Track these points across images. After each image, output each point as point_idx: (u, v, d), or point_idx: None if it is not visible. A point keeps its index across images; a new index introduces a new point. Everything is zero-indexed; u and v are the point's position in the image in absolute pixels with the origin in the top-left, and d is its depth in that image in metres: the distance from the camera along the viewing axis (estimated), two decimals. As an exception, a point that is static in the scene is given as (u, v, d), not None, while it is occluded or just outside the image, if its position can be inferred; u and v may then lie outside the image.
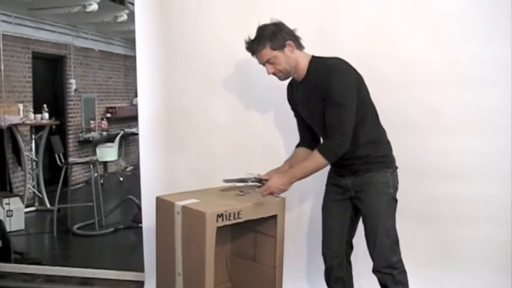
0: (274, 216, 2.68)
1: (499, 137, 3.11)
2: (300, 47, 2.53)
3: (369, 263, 2.59)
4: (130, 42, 3.29)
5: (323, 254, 2.71)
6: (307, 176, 2.51)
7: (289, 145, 3.16)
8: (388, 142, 2.63)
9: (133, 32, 3.50)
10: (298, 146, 2.77)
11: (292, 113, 2.78)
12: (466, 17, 3.08)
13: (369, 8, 3.18)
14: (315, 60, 2.54)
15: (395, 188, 2.59)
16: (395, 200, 2.59)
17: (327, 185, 2.73)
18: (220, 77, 3.38)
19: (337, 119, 2.41)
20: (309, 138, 2.71)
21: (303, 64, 2.52)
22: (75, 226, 5.43)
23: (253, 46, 2.51)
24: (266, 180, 2.55)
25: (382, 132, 2.61)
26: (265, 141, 3.35)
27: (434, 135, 3.15)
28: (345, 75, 2.44)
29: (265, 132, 3.36)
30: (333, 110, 2.41)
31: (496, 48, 3.06)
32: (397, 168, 2.62)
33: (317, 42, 3.21)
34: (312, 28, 3.21)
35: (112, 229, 5.39)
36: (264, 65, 2.54)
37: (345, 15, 3.21)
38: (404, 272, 2.55)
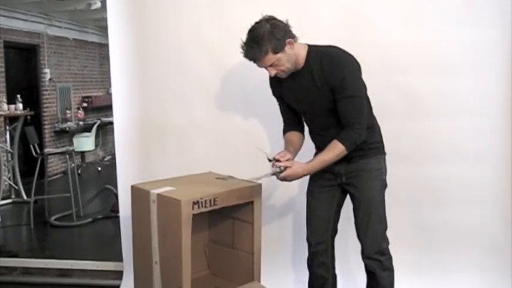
0: (251, 202, 2.68)
1: (477, 120, 3.15)
2: (295, 38, 2.42)
3: (357, 248, 2.60)
4: (105, 30, 3.24)
5: (308, 239, 2.70)
6: (326, 166, 2.46)
7: (270, 139, 3.17)
8: (379, 127, 2.63)
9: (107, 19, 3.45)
10: (286, 131, 2.70)
11: (272, 104, 2.74)
12: (444, 0, 3.10)
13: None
14: (313, 50, 2.46)
15: (386, 174, 2.61)
16: (386, 186, 2.60)
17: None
18: (196, 65, 3.35)
19: (355, 110, 2.39)
20: (295, 122, 2.67)
21: (302, 55, 2.45)
22: (53, 217, 5.38)
23: (254, 54, 2.36)
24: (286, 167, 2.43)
25: (374, 117, 2.61)
26: (244, 133, 3.34)
27: (412, 119, 3.18)
28: (354, 67, 2.43)
29: (243, 125, 3.35)
30: (349, 102, 2.38)
31: (475, 32, 3.09)
32: (385, 154, 2.63)
33: (294, 29, 3.22)
34: (290, 15, 3.19)
35: (90, 219, 5.35)
36: (265, 67, 2.43)
37: (322, 1, 3.21)
38: (391, 258, 2.58)
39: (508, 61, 3.11)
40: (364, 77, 2.98)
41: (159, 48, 3.40)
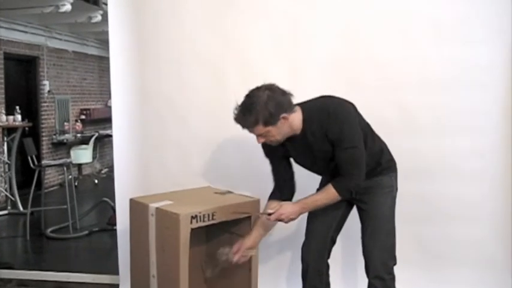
0: (249, 217, 2.68)
1: (475, 137, 3.17)
2: (292, 109, 2.36)
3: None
4: (105, 43, 3.27)
5: (304, 246, 2.67)
6: (317, 208, 2.48)
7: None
8: (387, 147, 2.63)
9: (108, 33, 3.47)
10: (272, 197, 2.61)
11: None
12: (440, 18, 3.14)
13: (343, 9, 3.21)
14: (308, 111, 2.42)
15: (397, 191, 2.62)
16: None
17: (321, 184, 2.63)
18: (195, 78, 3.38)
19: (351, 161, 2.37)
20: (285, 186, 2.61)
21: (298, 122, 2.40)
22: (49, 229, 5.35)
23: (244, 121, 2.33)
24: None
25: (380, 140, 2.62)
26: (240, 142, 3.35)
27: (409, 135, 3.20)
28: (350, 115, 2.40)
29: (240, 133, 3.35)
30: (346, 154, 2.36)
31: (471, 49, 3.12)
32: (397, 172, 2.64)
33: (292, 42, 3.25)
34: (288, 28, 3.23)
35: (86, 232, 5.33)
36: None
37: (320, 16, 3.23)
38: (394, 278, 2.56)
39: (504, 79, 3.14)
40: (361, 93, 3.02)
41: (158, 61, 3.43)
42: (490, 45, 3.12)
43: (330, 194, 2.40)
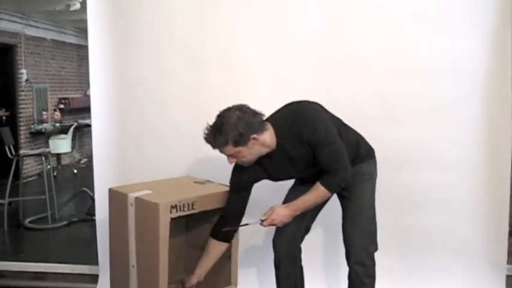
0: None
1: (454, 127, 3.21)
2: (263, 129, 2.37)
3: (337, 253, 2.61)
4: (84, 31, 3.23)
5: (277, 232, 2.67)
6: (308, 209, 2.49)
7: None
8: (363, 137, 2.66)
9: (86, 21, 3.43)
10: (214, 236, 2.61)
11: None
12: (421, 9, 3.15)
13: (324, 1, 3.22)
14: (276, 120, 2.43)
15: (376, 178, 2.66)
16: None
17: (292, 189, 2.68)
18: (175, 68, 3.35)
19: (333, 157, 2.39)
20: (235, 220, 2.58)
21: (271, 139, 2.41)
22: (27, 220, 5.30)
23: (213, 141, 2.35)
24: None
25: (355, 132, 2.63)
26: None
27: (390, 126, 3.22)
28: (319, 113, 2.43)
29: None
30: (326, 152, 2.38)
31: (454, 41, 3.15)
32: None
33: (273, 33, 3.25)
34: (269, 18, 3.23)
35: (66, 222, 5.28)
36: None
37: (301, 7, 3.23)
38: (375, 265, 2.59)
39: (484, 70, 3.17)
40: (344, 83, 3.02)
41: (138, 50, 3.40)
42: (471, 36, 3.15)
43: (320, 192, 2.42)
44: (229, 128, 2.29)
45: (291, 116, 2.43)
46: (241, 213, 2.59)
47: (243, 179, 2.54)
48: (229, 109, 2.36)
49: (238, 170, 2.54)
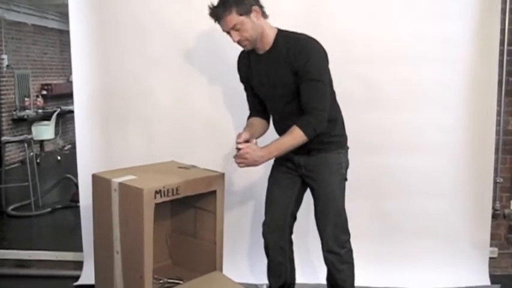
0: (214, 192, 2.68)
1: (438, 112, 3.22)
2: (264, 15, 2.45)
3: (317, 241, 2.62)
4: (66, 16, 3.17)
5: (265, 224, 2.68)
6: (284, 152, 2.44)
7: (235, 127, 3.15)
8: (343, 121, 2.63)
9: (68, 5, 3.36)
10: (250, 117, 2.69)
11: (237, 90, 2.74)
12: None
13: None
14: (283, 34, 2.46)
15: (347, 168, 2.62)
16: (346, 180, 2.62)
17: (277, 158, 2.61)
18: (159, 52, 3.30)
19: (316, 95, 2.37)
20: (260, 110, 2.66)
21: (269, 36, 2.45)
22: (10, 207, 5.24)
23: (218, 12, 2.38)
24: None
25: (339, 110, 2.61)
26: (205, 115, 3.32)
27: (372, 110, 3.22)
28: (321, 53, 2.43)
29: (207, 110, 3.32)
30: (311, 86, 2.37)
31: (439, 25, 3.15)
32: (348, 148, 2.64)
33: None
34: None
35: (49, 209, 5.24)
36: (228, 33, 2.42)
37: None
38: (351, 251, 2.60)
39: (469, 55, 3.18)
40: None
41: (120, 33, 3.33)
42: (457, 20, 3.15)
43: (295, 133, 2.39)
44: None
45: (295, 39, 2.43)
46: (262, 108, 2.66)
47: (241, 75, 2.65)
48: None
49: (238, 66, 2.66)
